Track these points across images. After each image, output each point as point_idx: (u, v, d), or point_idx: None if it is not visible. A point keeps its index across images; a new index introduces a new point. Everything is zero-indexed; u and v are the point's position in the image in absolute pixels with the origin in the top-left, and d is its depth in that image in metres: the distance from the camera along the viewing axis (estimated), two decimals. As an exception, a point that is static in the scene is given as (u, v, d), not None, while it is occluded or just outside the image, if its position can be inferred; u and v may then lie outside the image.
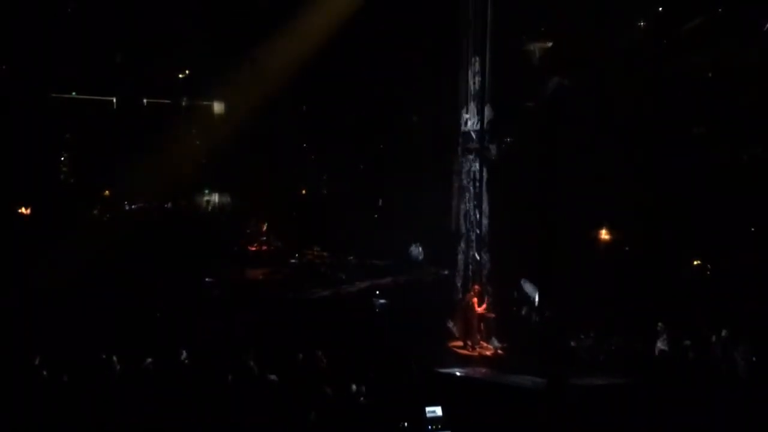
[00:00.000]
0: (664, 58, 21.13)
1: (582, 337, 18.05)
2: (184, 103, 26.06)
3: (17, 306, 18.50)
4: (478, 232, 19.78)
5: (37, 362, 15.10)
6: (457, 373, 17.13)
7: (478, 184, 19.75)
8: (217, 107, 26.58)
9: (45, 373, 14.77)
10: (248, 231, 26.13)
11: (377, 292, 21.93)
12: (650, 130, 20.74)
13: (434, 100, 23.67)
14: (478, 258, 19.70)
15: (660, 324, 17.40)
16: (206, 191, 27.62)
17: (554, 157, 20.36)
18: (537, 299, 19.85)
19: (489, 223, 19.70)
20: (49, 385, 14.62)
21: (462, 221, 20.33)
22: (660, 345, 17.23)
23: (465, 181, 20.12)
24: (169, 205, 26.89)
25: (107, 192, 25.47)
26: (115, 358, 15.26)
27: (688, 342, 16.93)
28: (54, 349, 15.66)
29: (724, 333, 16.68)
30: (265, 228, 26.12)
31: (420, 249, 25.63)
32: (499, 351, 18.61)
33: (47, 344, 15.89)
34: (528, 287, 20.23)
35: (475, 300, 18.91)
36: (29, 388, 14.42)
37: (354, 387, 14.43)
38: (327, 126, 26.08)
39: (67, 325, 17.75)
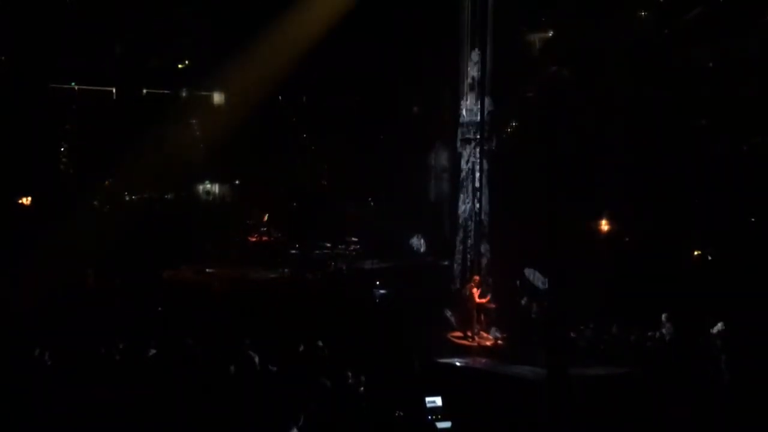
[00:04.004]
0: (665, 48, 21.07)
1: (582, 327, 18.05)
2: (183, 94, 26.06)
3: (18, 297, 18.51)
4: (477, 222, 19.76)
5: (37, 353, 15.11)
6: (457, 364, 17.13)
7: (477, 174, 19.71)
8: (217, 98, 26.61)
9: (47, 364, 14.80)
10: (249, 222, 26.14)
11: (377, 283, 21.93)
12: (651, 121, 20.70)
13: (434, 90, 23.67)
14: (477, 248, 19.68)
15: (665, 315, 17.38)
16: (207, 182, 27.62)
17: (554, 148, 20.33)
18: (543, 288, 19.82)
19: (489, 214, 19.67)
20: (50, 376, 14.65)
21: (462, 211, 20.33)
22: (664, 335, 17.21)
23: (464, 172, 20.08)
24: (170, 196, 26.92)
25: (107, 183, 25.47)
26: (117, 348, 15.29)
27: (687, 331, 16.91)
28: (55, 340, 15.67)
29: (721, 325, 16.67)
30: (265, 219, 26.12)
31: (421, 240, 25.66)
32: (499, 341, 18.62)
33: (48, 335, 15.89)
34: (533, 276, 20.20)
35: (475, 290, 18.91)
36: (30, 379, 14.45)
37: (354, 377, 14.44)
38: (327, 117, 26.07)
39: (68, 316, 17.78)
